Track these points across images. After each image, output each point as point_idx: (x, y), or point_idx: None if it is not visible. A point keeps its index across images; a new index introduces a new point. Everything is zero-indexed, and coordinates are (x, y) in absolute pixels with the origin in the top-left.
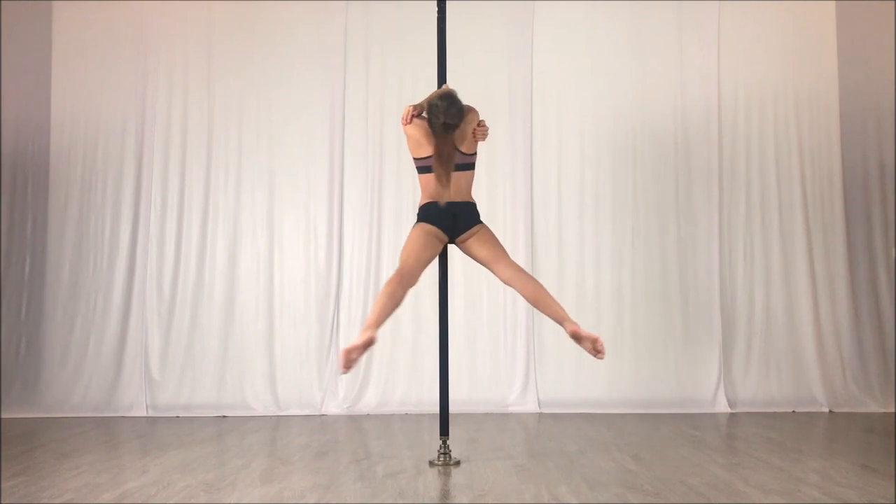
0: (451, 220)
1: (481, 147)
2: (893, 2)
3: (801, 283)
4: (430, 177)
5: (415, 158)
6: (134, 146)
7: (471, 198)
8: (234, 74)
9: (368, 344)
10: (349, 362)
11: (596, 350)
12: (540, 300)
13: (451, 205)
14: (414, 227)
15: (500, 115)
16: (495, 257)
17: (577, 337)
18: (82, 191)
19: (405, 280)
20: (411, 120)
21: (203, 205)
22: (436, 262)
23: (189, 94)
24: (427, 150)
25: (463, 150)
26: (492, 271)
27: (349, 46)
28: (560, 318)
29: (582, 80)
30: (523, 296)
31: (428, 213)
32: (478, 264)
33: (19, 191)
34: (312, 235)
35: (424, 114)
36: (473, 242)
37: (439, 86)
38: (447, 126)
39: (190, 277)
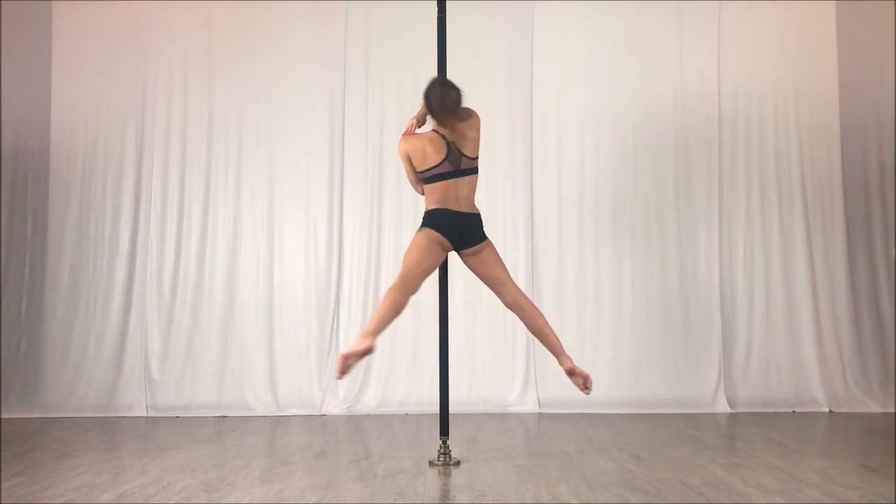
0: (459, 231)
1: (482, 146)
2: (893, 2)
3: (801, 283)
4: (439, 185)
5: (422, 172)
6: (134, 146)
7: (475, 207)
8: (234, 74)
9: (367, 352)
10: (346, 368)
11: (585, 386)
12: (540, 330)
13: (458, 215)
14: (419, 232)
15: (500, 115)
16: (501, 281)
17: (571, 373)
18: (82, 191)
19: (408, 288)
20: (412, 129)
21: (203, 205)
22: None
23: (189, 94)
24: (434, 158)
25: (468, 153)
26: (496, 293)
27: (349, 46)
28: (557, 352)
29: (582, 80)
30: (524, 324)
31: (436, 220)
32: None
33: (19, 191)
34: (312, 235)
35: (420, 122)
36: (479, 260)
37: None
38: (447, 104)
39: (190, 277)
